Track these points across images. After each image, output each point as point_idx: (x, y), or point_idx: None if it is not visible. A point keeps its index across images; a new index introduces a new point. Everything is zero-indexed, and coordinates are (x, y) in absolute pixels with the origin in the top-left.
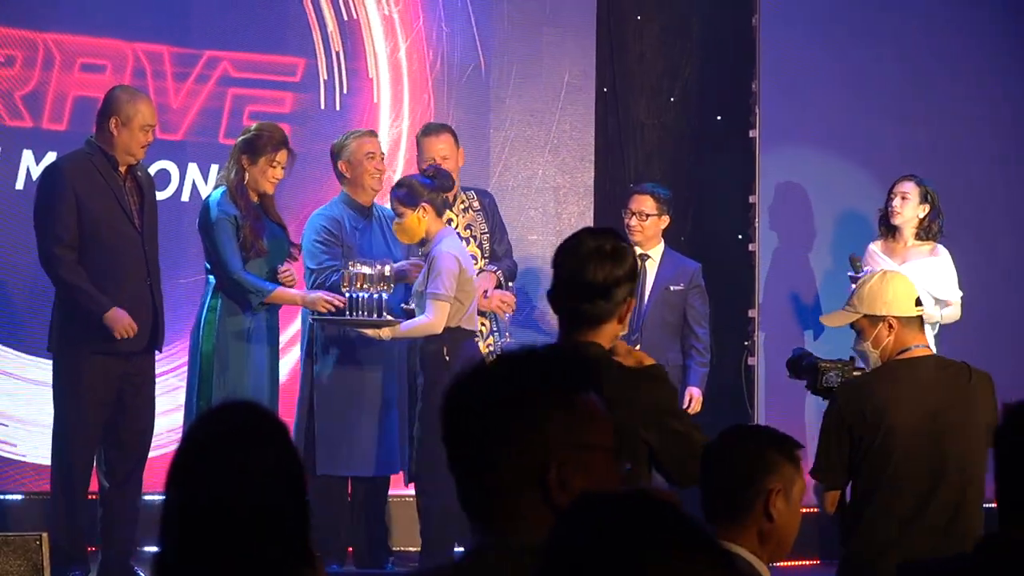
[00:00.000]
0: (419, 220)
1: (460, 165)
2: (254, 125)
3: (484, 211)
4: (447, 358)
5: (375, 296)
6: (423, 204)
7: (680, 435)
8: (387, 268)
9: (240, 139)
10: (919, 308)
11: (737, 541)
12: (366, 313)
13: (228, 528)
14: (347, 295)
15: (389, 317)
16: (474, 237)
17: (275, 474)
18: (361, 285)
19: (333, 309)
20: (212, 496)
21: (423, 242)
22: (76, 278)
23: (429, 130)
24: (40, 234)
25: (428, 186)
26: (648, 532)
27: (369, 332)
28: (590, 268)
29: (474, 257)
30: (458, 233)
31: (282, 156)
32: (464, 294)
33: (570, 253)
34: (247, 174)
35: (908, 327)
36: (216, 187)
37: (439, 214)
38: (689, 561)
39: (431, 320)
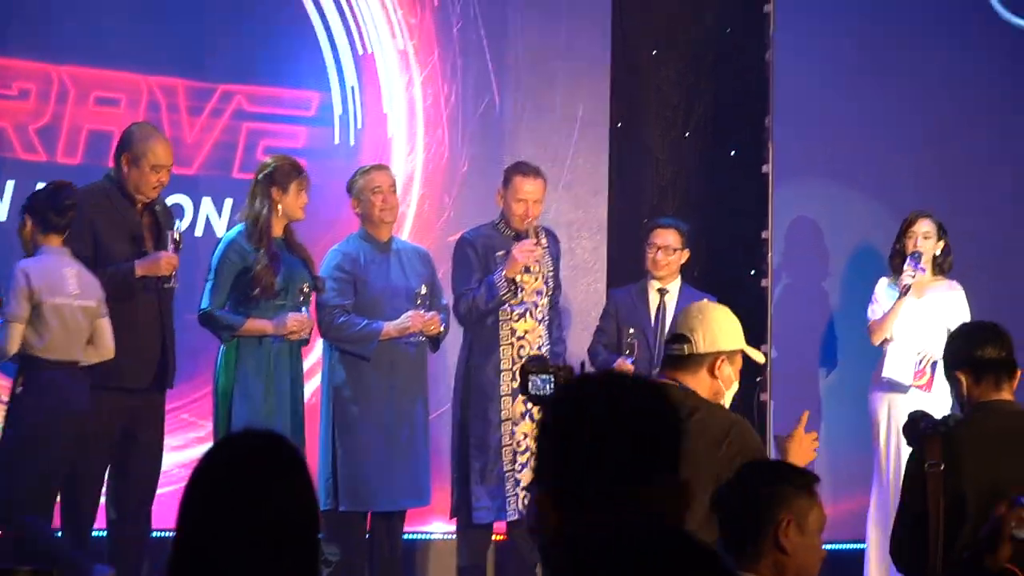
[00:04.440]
0: (23, 230)
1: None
2: (271, 158)
3: (548, 249)
4: (18, 389)
5: None
6: (27, 215)
7: None
8: None
9: (262, 174)
10: None
11: (754, 571)
12: None
13: (236, 559)
14: None
15: None
16: (542, 274)
17: (287, 504)
18: None
19: (306, 333)
20: (221, 526)
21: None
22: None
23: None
24: None
25: (35, 196)
26: (662, 560)
27: None
28: None
29: (539, 292)
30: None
31: (305, 181)
32: (42, 322)
33: None
34: (280, 205)
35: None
36: (235, 225)
37: (45, 229)
38: None
39: None
